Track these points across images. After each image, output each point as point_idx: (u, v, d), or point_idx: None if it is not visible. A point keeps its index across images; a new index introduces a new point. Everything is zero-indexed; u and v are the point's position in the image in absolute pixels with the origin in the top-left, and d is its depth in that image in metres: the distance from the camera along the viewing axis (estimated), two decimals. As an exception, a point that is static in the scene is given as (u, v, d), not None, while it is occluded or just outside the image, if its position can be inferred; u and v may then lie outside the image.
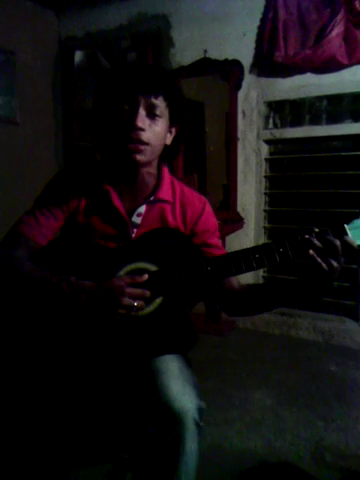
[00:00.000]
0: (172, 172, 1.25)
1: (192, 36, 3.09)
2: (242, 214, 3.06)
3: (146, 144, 1.05)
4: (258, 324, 3.07)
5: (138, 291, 1.01)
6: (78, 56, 3.60)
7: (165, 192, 1.16)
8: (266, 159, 3.04)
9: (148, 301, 1.03)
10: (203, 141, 3.34)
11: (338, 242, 0.91)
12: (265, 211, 3.09)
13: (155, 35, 3.23)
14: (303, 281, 0.99)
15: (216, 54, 3.01)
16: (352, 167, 2.75)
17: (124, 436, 1.09)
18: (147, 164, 1.11)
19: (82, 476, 1.24)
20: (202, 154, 3.34)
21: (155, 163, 1.15)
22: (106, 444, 1.09)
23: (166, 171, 1.20)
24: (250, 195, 3.05)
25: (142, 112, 1.04)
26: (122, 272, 1.07)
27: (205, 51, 3.05)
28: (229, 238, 2.98)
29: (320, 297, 0.98)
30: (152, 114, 1.06)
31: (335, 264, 0.92)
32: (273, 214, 3.08)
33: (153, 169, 1.15)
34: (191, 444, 0.97)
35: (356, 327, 2.79)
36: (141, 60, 3.28)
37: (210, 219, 1.22)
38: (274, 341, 2.88)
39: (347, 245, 0.91)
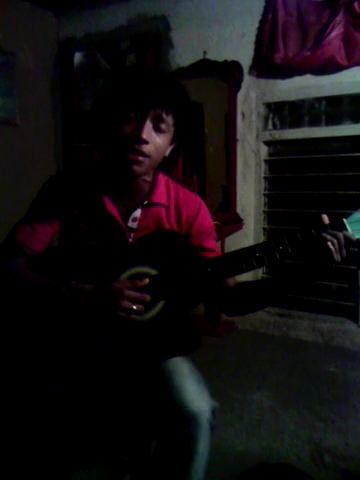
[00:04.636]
0: (172, 174, 1.24)
1: (191, 37, 3.10)
2: (241, 215, 3.06)
3: (147, 156, 1.02)
4: (257, 325, 3.07)
5: (137, 295, 1.00)
6: (77, 57, 3.60)
7: (159, 196, 1.15)
8: (265, 160, 3.04)
9: (150, 305, 1.03)
10: (202, 142, 3.34)
11: (341, 235, 0.95)
12: (264, 212, 3.09)
13: (154, 36, 3.23)
14: (304, 271, 1.00)
15: (215, 55, 3.01)
16: (351, 168, 2.75)
17: (124, 438, 1.09)
18: (143, 174, 1.08)
19: (81, 478, 1.24)
20: (201, 155, 3.34)
21: (151, 172, 1.13)
22: (105, 446, 1.09)
23: (160, 175, 1.17)
24: (249, 196, 3.05)
25: (149, 124, 1.01)
26: (122, 277, 1.06)
27: (204, 52, 3.05)
28: (228, 239, 2.97)
29: (315, 284, 1.02)
30: (158, 128, 1.02)
31: (338, 257, 0.95)
32: (272, 215, 3.08)
33: (149, 177, 1.13)
34: (204, 444, 0.99)
35: (356, 328, 2.79)
36: (141, 63, 3.27)
37: (206, 221, 1.20)
38: (273, 342, 2.88)
39: (347, 239, 0.95)
